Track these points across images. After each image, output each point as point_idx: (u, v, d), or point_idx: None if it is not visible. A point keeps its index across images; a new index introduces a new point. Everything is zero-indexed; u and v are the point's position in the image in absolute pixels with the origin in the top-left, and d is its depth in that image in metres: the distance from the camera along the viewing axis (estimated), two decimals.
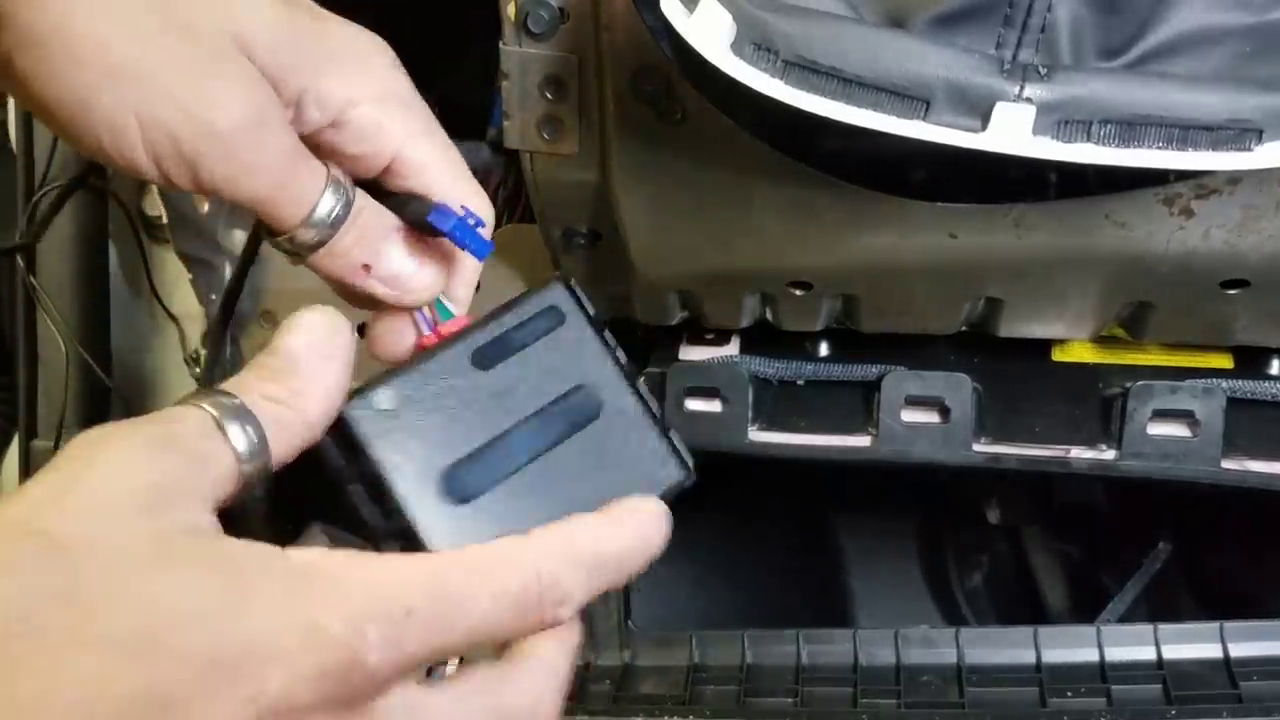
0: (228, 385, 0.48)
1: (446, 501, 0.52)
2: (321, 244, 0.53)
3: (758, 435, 0.92)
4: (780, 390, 0.94)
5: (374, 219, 0.55)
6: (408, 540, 0.51)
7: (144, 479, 0.43)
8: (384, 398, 0.52)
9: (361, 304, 0.58)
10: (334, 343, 0.50)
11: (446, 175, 0.56)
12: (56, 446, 1.07)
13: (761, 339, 0.94)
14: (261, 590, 0.42)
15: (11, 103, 1.07)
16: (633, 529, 0.52)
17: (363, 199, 0.54)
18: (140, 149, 0.48)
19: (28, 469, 1.09)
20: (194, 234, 1.06)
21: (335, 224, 0.53)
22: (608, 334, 0.59)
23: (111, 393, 1.10)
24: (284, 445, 0.48)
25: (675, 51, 0.61)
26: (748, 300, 0.89)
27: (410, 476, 0.52)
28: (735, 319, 0.92)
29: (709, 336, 0.96)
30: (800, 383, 0.94)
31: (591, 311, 0.59)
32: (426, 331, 0.57)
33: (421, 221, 0.55)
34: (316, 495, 0.52)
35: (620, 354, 0.59)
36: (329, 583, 0.43)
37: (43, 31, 0.48)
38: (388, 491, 0.51)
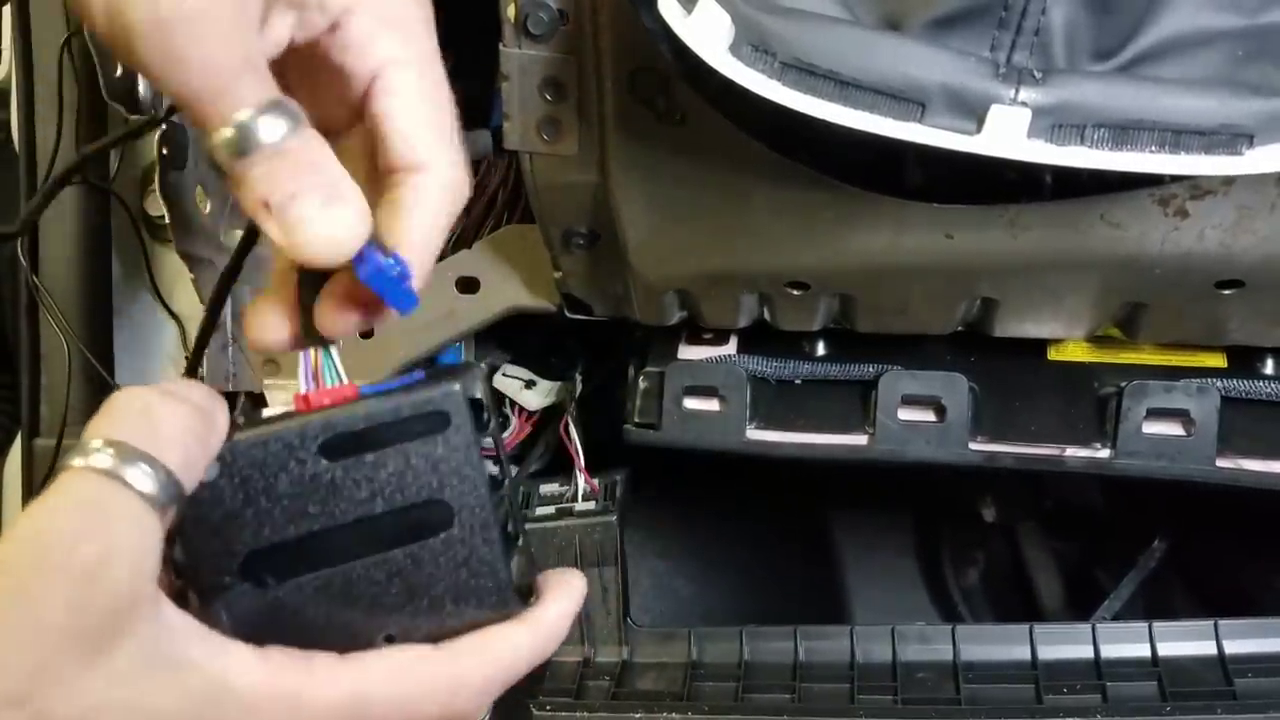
0: (124, 429, 0.46)
1: (237, 582, 0.50)
2: (235, 162, 0.48)
3: (755, 434, 0.92)
4: (778, 389, 0.95)
5: (307, 157, 0.49)
6: (206, 614, 0.49)
7: (103, 609, 0.43)
8: (210, 467, 0.49)
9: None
10: (218, 401, 0.50)
11: (422, 116, 0.52)
12: (59, 445, 1.07)
13: (759, 339, 0.95)
14: (180, 710, 0.44)
15: (14, 102, 1.07)
16: (556, 628, 0.53)
17: (306, 141, 0.49)
18: (100, 10, 0.45)
19: (30, 467, 1.09)
20: (196, 233, 1.07)
21: (254, 147, 0.47)
22: (498, 443, 0.55)
23: (113, 391, 1.11)
24: (190, 480, 0.48)
25: (673, 53, 0.61)
26: (746, 300, 0.90)
27: (210, 551, 0.50)
28: (733, 319, 0.92)
29: (707, 336, 0.96)
30: (797, 382, 0.95)
31: (485, 420, 0.53)
32: (304, 387, 0.52)
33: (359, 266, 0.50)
34: None
35: (498, 471, 0.54)
36: (246, 704, 0.46)
37: None
38: (187, 558, 0.50)
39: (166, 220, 1.05)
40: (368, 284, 0.49)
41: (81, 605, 0.42)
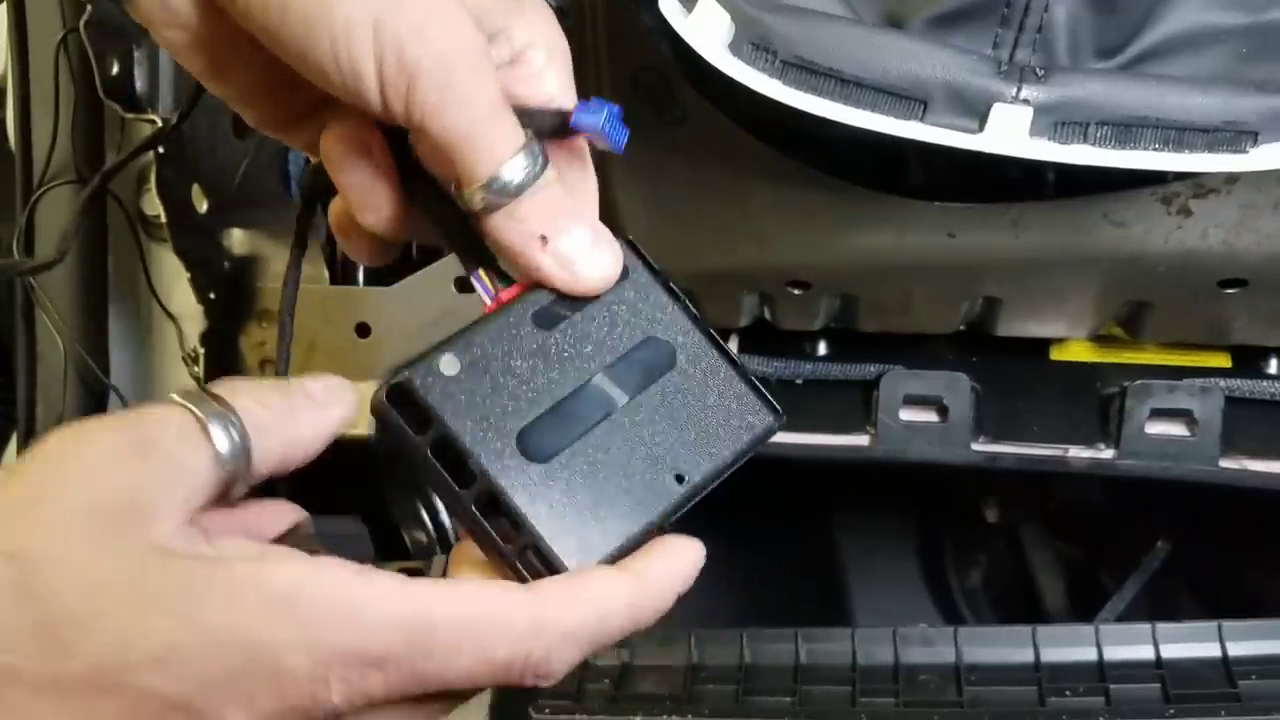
0: (222, 387, 0.47)
1: (525, 462, 0.51)
2: (502, 205, 0.51)
3: None
4: (779, 389, 0.94)
5: (564, 195, 0.53)
6: (494, 503, 0.50)
7: (117, 492, 0.42)
8: (447, 362, 0.51)
9: (528, 278, 0.55)
10: (342, 395, 0.50)
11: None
12: None
13: (760, 338, 0.94)
14: (227, 624, 0.41)
15: (10, 101, 1.07)
16: (659, 587, 0.50)
17: (555, 172, 0.53)
18: (370, 59, 0.47)
19: None
20: (193, 233, 1.06)
21: (521, 189, 0.51)
22: (673, 285, 0.58)
23: (110, 392, 1.10)
24: (265, 454, 0.47)
25: (674, 51, 0.61)
26: (746, 299, 0.89)
27: (483, 439, 0.50)
28: (734, 318, 0.92)
29: None
30: (799, 382, 0.94)
31: (657, 266, 0.58)
32: (488, 299, 0.55)
33: (561, 124, 0.54)
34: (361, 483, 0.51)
35: (690, 304, 0.57)
36: (299, 616, 0.42)
37: None
38: (463, 457, 0.50)
39: (164, 220, 1.05)
40: (600, 130, 0.54)
41: (102, 489, 0.42)
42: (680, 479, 0.54)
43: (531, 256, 0.53)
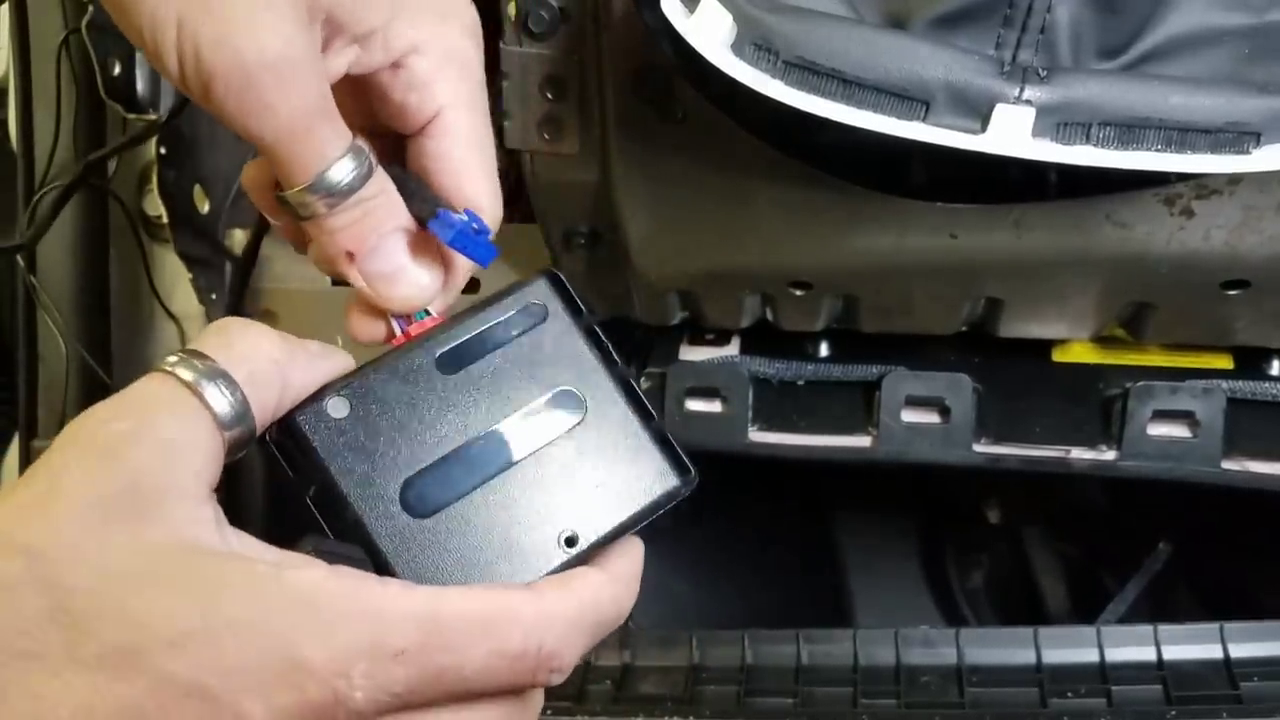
0: (215, 339, 0.46)
1: (407, 515, 0.49)
2: (316, 215, 0.50)
3: (758, 435, 0.92)
4: (780, 390, 0.94)
5: (383, 208, 0.51)
6: (369, 556, 0.48)
7: (121, 481, 0.42)
8: (336, 405, 0.49)
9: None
10: (337, 352, 0.50)
11: (474, 158, 0.54)
12: None
13: (762, 339, 0.94)
14: (247, 616, 0.41)
15: (12, 102, 1.07)
16: (628, 584, 0.50)
17: (379, 185, 0.51)
18: (173, 54, 0.46)
19: (28, 468, 1.09)
20: (194, 233, 1.06)
21: (336, 197, 0.49)
22: (597, 330, 0.55)
23: (111, 392, 1.10)
24: (262, 407, 0.46)
25: (675, 51, 0.61)
26: (748, 300, 0.89)
27: (365, 487, 0.49)
28: (735, 319, 0.92)
29: (709, 337, 0.96)
30: (800, 383, 0.94)
31: (580, 306, 0.55)
32: (398, 330, 0.54)
33: (420, 222, 0.52)
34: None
35: (610, 351, 0.55)
36: (320, 613, 0.42)
37: None
38: (342, 503, 0.48)
39: (165, 220, 1.05)
40: (452, 245, 0.52)
41: (102, 477, 0.41)
42: (571, 541, 0.52)
43: (342, 271, 0.52)
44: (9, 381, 1.14)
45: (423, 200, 0.53)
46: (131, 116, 1.03)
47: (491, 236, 0.55)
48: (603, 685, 0.95)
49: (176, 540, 0.42)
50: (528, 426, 0.52)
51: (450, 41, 0.52)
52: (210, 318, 1.09)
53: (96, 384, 1.10)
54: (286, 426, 0.48)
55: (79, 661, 0.39)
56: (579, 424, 0.53)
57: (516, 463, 0.51)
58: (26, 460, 1.09)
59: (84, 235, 1.08)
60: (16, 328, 1.10)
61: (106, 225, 1.11)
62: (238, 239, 1.10)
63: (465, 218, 0.52)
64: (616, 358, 0.55)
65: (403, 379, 0.51)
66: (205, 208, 1.07)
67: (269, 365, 0.47)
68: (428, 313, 0.54)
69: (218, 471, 0.45)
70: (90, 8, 1.00)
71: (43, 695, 0.39)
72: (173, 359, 0.45)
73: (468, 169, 0.53)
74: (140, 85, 1.03)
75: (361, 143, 0.50)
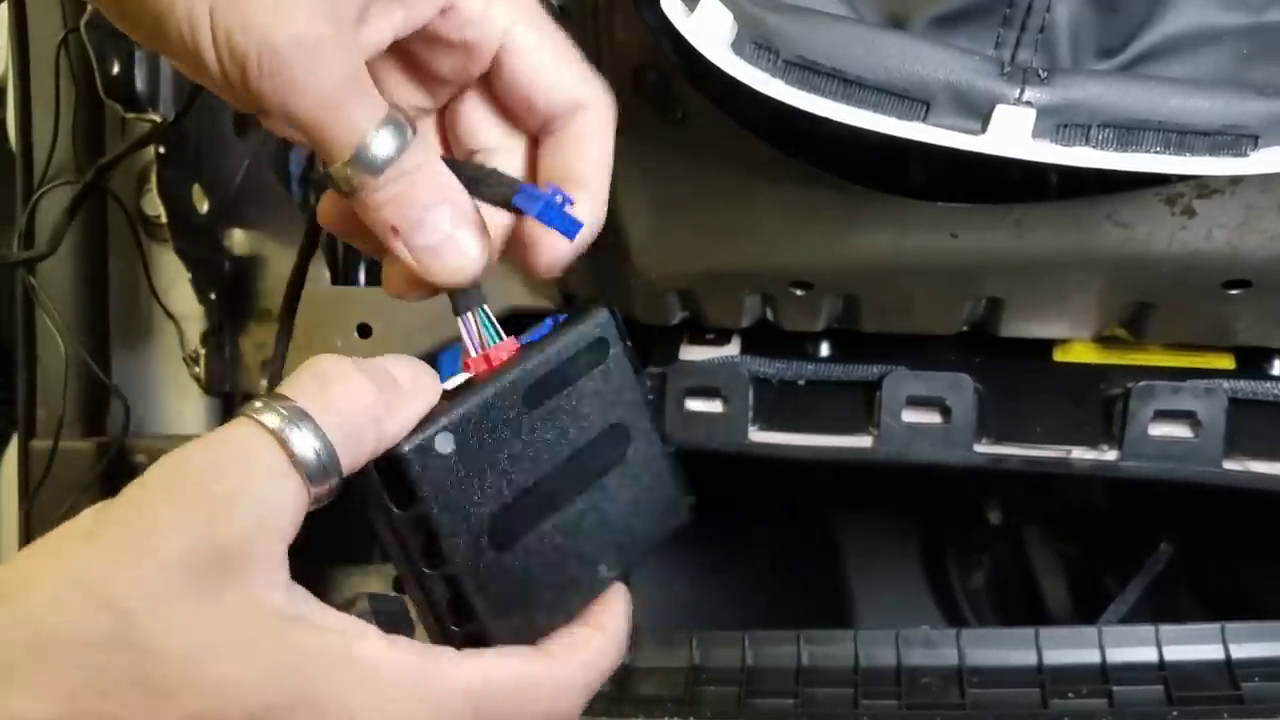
0: (310, 388, 0.46)
1: (488, 549, 0.51)
2: (358, 190, 0.50)
3: (758, 435, 0.92)
4: (781, 390, 0.94)
5: (425, 180, 0.51)
6: (449, 589, 0.50)
7: (210, 542, 0.42)
8: (444, 441, 0.49)
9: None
10: (426, 383, 0.50)
11: (551, 59, 0.54)
12: (55, 447, 1.07)
13: (762, 339, 0.94)
14: (319, 691, 0.43)
15: (10, 101, 1.07)
16: (622, 640, 0.54)
17: (420, 156, 0.50)
18: (210, 47, 0.46)
19: (26, 469, 1.09)
20: (193, 233, 1.06)
21: (377, 170, 0.49)
22: (638, 363, 0.57)
23: (111, 393, 1.10)
24: (355, 459, 0.47)
25: (676, 51, 0.61)
26: (748, 300, 0.89)
27: (458, 526, 0.50)
28: (736, 319, 0.91)
29: (709, 336, 0.96)
30: (801, 383, 0.94)
31: (629, 340, 0.57)
32: (474, 353, 0.54)
33: (505, 202, 0.53)
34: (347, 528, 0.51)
35: (647, 384, 0.58)
36: (385, 690, 0.44)
37: None
38: (435, 539, 0.49)
39: (164, 220, 1.05)
40: (540, 219, 0.53)
41: (198, 540, 0.42)
42: (606, 571, 0.55)
43: (390, 246, 0.52)
44: (8, 382, 1.14)
45: (499, 182, 0.53)
46: (131, 116, 1.03)
47: (615, 124, 0.56)
48: (603, 685, 0.95)
49: (256, 607, 0.43)
50: (586, 460, 0.54)
51: None
52: (209, 318, 1.09)
53: (96, 384, 1.10)
54: (395, 462, 0.49)
55: None
56: (623, 461, 0.55)
57: (578, 496, 0.54)
58: (25, 461, 1.09)
59: (83, 235, 1.08)
60: (15, 328, 1.10)
61: (105, 225, 1.11)
62: (237, 239, 1.10)
63: (549, 191, 0.53)
64: (652, 395, 0.57)
65: (497, 414, 0.51)
66: (204, 207, 1.07)
67: (363, 419, 0.47)
68: (500, 337, 0.54)
69: (297, 530, 0.45)
70: (89, 7, 1.00)
71: None
72: (274, 418, 0.45)
73: (561, 76, 0.54)
74: (139, 84, 1.03)
75: (399, 114, 0.50)
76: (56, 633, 0.40)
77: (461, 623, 0.51)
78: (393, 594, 0.51)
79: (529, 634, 0.52)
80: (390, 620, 0.48)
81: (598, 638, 0.53)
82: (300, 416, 0.45)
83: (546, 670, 0.50)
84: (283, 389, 0.46)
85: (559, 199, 0.53)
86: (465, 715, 0.46)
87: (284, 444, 0.44)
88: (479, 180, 0.53)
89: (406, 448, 0.48)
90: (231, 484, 0.43)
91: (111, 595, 0.40)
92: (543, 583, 0.52)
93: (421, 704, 0.45)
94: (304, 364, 0.48)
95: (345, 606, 0.49)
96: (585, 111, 0.55)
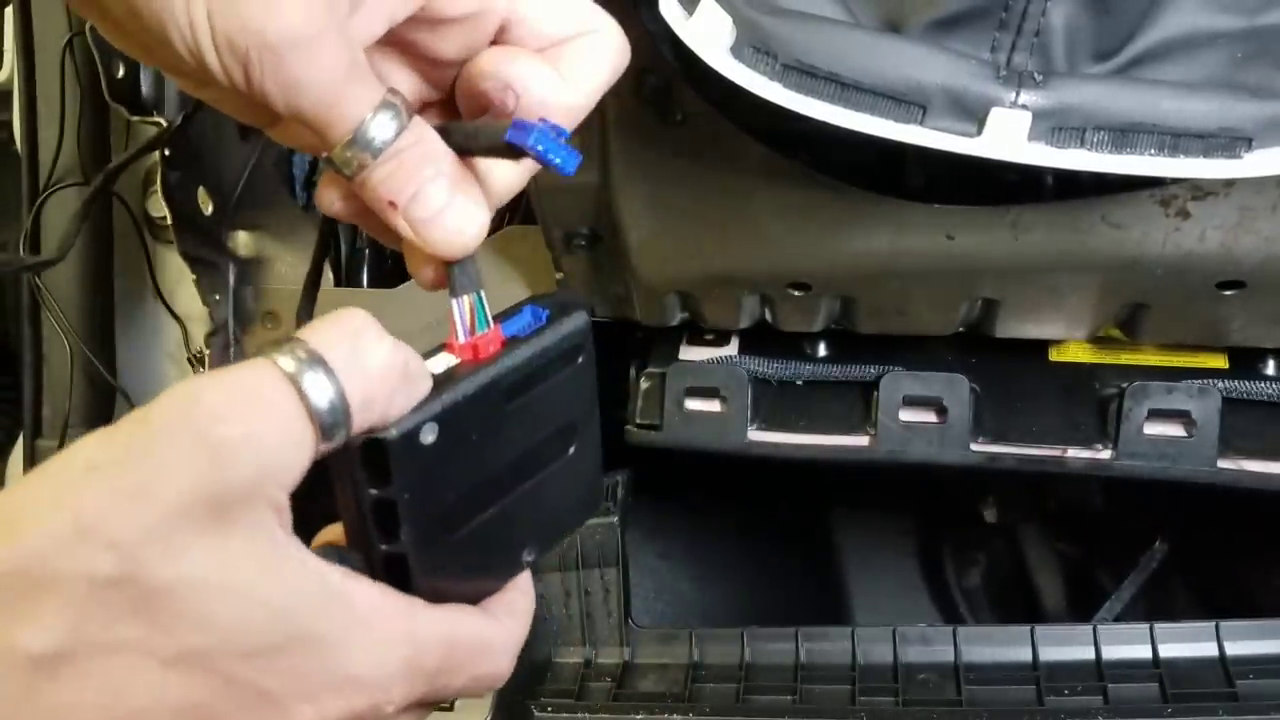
0: (331, 348, 0.46)
1: (439, 532, 0.51)
2: (359, 171, 0.50)
3: (757, 435, 0.92)
4: (779, 390, 0.95)
5: (417, 154, 0.51)
6: (394, 561, 0.50)
7: (220, 489, 0.42)
8: (429, 432, 0.49)
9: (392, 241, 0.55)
10: (423, 373, 0.50)
11: (559, 26, 0.53)
12: (61, 446, 1.07)
13: (760, 340, 0.95)
14: (316, 630, 0.44)
15: (16, 104, 1.07)
16: (533, 601, 0.57)
17: (414, 134, 0.51)
18: (212, 50, 0.47)
19: (33, 469, 1.09)
20: (198, 235, 1.07)
21: (376, 151, 0.50)
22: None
23: (116, 393, 1.11)
24: (358, 427, 0.47)
25: (675, 54, 0.61)
26: (747, 301, 0.90)
27: (420, 512, 0.50)
28: (734, 320, 0.92)
29: (708, 337, 0.96)
30: (799, 383, 0.95)
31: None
32: (461, 338, 0.53)
33: (499, 147, 0.51)
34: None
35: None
36: (374, 632, 0.46)
37: None
38: (395, 522, 0.50)
39: (169, 221, 1.05)
40: (531, 150, 0.50)
41: (203, 483, 0.42)
42: (528, 556, 0.56)
43: (390, 221, 0.52)
44: (14, 381, 1.14)
45: (490, 131, 0.52)
46: (136, 119, 1.04)
47: (624, 60, 0.54)
48: (603, 683, 0.96)
49: (257, 550, 0.43)
50: (538, 453, 0.55)
51: None
52: (213, 319, 1.09)
53: (101, 385, 1.10)
54: (379, 445, 0.48)
55: (156, 657, 0.41)
56: (565, 455, 0.56)
57: (519, 486, 0.54)
58: (32, 459, 1.09)
59: (89, 236, 1.09)
60: (22, 328, 1.11)
61: (111, 227, 1.12)
62: (241, 241, 1.11)
63: (541, 122, 0.51)
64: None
65: (480, 406, 0.51)
66: (209, 209, 1.07)
67: (383, 389, 0.47)
68: (488, 324, 0.54)
69: (301, 479, 0.45)
70: None
71: (120, 686, 0.41)
72: (292, 363, 0.44)
73: (571, 5, 0.53)
74: (144, 88, 1.04)
75: (394, 96, 0.51)
76: (60, 569, 0.40)
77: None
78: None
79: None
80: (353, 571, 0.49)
81: (524, 602, 0.55)
82: (322, 368, 0.45)
83: (497, 630, 0.53)
84: (310, 335, 0.46)
85: (553, 133, 0.51)
86: (437, 660, 0.49)
87: (302, 395, 0.44)
88: (473, 136, 0.53)
89: (395, 433, 0.48)
90: (242, 428, 0.43)
91: (114, 536, 0.41)
92: (475, 564, 0.53)
93: (406, 645, 0.47)
94: (334, 314, 0.47)
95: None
96: (596, 35, 0.54)
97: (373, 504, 0.49)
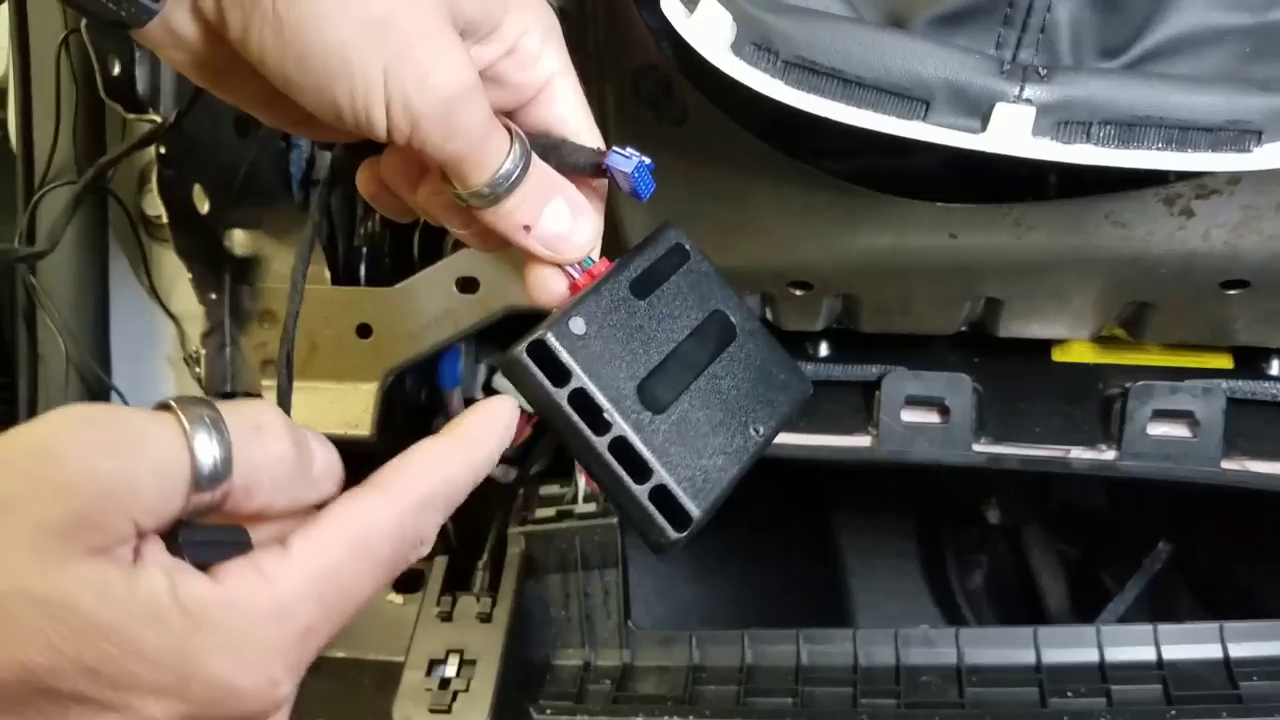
0: (234, 417, 0.47)
1: (646, 412, 0.58)
2: (494, 202, 0.57)
3: None
4: None
5: (541, 181, 0.59)
6: (623, 450, 0.57)
7: (77, 517, 0.43)
8: (576, 323, 0.58)
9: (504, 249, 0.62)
10: (336, 472, 0.52)
11: (583, 114, 0.61)
12: None
13: None
14: (164, 645, 0.43)
15: (11, 102, 1.07)
16: (483, 448, 0.54)
17: (536, 162, 0.58)
18: (381, 105, 0.52)
19: None
20: (194, 233, 1.06)
21: (509, 185, 0.57)
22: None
23: (111, 392, 1.10)
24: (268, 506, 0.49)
25: (675, 52, 0.61)
26: (748, 300, 0.89)
27: (612, 392, 0.57)
28: None
29: None
30: None
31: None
32: (577, 276, 0.61)
33: (592, 166, 0.59)
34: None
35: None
36: (226, 633, 0.44)
37: None
38: (597, 408, 0.57)
39: (165, 220, 1.04)
40: (631, 177, 0.59)
41: (60, 505, 0.43)
42: (757, 430, 0.62)
43: (521, 242, 0.60)
44: (9, 381, 1.14)
45: (574, 150, 0.60)
46: (131, 116, 1.03)
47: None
48: (602, 685, 0.96)
49: (102, 576, 0.43)
50: (704, 338, 0.63)
51: (545, 19, 0.59)
52: (209, 318, 1.09)
53: (97, 385, 1.10)
54: (539, 343, 0.57)
55: (6, 670, 0.42)
56: (735, 339, 0.64)
57: (705, 368, 0.62)
58: None
59: (84, 235, 1.08)
60: (17, 327, 1.10)
61: (106, 225, 1.11)
62: (238, 239, 1.10)
63: (636, 153, 0.60)
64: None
65: (612, 301, 0.60)
66: (205, 208, 1.07)
67: (279, 467, 0.49)
68: (593, 260, 0.62)
69: (171, 519, 0.46)
70: None
71: None
72: (198, 426, 0.46)
73: (580, 128, 0.61)
74: (140, 85, 1.03)
75: (519, 135, 0.58)
76: None
77: (642, 480, 0.57)
78: (199, 524, 0.49)
79: (714, 495, 0.59)
80: (205, 550, 0.48)
81: (441, 447, 0.52)
82: (219, 429, 0.46)
83: (380, 510, 0.49)
84: (224, 404, 0.48)
85: (646, 160, 0.59)
86: (312, 606, 0.46)
87: (192, 455, 0.45)
88: (554, 149, 0.60)
89: (546, 331, 0.57)
90: (119, 465, 0.44)
91: None
92: (703, 441, 0.60)
93: (270, 632, 0.45)
94: (249, 402, 0.49)
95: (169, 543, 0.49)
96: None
97: (569, 400, 0.57)
